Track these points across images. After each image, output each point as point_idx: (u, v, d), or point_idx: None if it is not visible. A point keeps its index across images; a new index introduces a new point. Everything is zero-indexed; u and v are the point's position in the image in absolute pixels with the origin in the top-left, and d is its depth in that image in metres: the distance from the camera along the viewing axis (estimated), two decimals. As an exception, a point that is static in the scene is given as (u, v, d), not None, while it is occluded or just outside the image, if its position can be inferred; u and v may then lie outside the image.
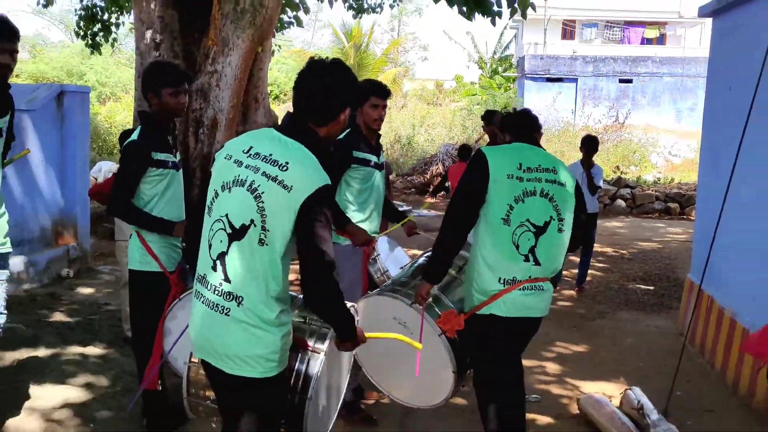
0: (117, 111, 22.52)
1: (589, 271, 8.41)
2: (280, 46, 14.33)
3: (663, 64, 27.28)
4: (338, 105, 2.48)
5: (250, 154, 2.40)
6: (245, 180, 2.36)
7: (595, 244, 8.44)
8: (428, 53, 47.82)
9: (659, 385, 4.98)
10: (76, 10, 12.12)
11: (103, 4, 11.69)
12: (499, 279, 3.24)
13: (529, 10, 9.23)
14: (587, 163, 7.87)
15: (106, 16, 11.91)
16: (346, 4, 12.92)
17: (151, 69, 3.86)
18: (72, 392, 4.52)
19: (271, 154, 2.37)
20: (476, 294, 3.31)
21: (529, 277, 3.26)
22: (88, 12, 11.74)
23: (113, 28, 12.18)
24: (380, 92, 4.07)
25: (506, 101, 28.03)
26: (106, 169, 14.52)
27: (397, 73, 32.37)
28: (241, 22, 9.30)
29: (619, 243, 11.48)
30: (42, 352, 5.08)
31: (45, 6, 11.93)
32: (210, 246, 2.42)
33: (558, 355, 5.81)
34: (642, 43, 36.59)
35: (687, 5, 34.93)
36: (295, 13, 11.68)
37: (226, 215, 2.38)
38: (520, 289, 3.24)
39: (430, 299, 3.54)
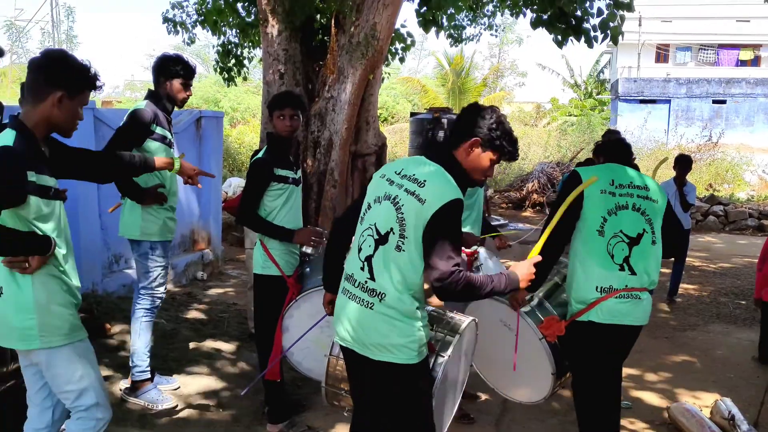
0: (246, 133, 23.39)
1: (681, 285, 8.04)
2: (389, 74, 14.50)
3: (757, 85, 25.79)
4: (467, 136, 2.61)
5: (401, 175, 2.59)
6: (391, 195, 2.56)
7: (687, 259, 8.06)
8: (525, 79, 47.23)
9: (750, 397, 4.72)
10: (214, 46, 12.71)
11: (237, 41, 12.21)
12: (596, 287, 3.19)
13: (621, 37, 8.98)
14: (680, 180, 7.54)
15: (239, 51, 12.42)
16: (446, 34, 12.93)
17: (273, 96, 4.09)
18: (205, 380, 4.73)
19: (414, 174, 2.55)
20: (575, 302, 3.29)
21: (626, 286, 3.19)
22: (224, 48, 12.29)
23: (246, 62, 12.68)
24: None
25: (600, 122, 27.28)
26: (235, 184, 15.18)
27: (498, 97, 32.09)
28: (356, 53, 9.52)
29: (712, 258, 10.90)
30: (180, 344, 5.34)
31: (189, 44, 12.59)
32: (360, 250, 2.61)
33: (652, 365, 5.57)
34: (736, 65, 34.76)
35: (782, 28, 33.01)
36: (403, 45, 11.81)
37: (375, 224, 2.58)
38: (616, 297, 3.18)
39: (535, 303, 3.53)
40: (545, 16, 9.51)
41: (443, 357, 2.87)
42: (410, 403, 2.58)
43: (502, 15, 13.47)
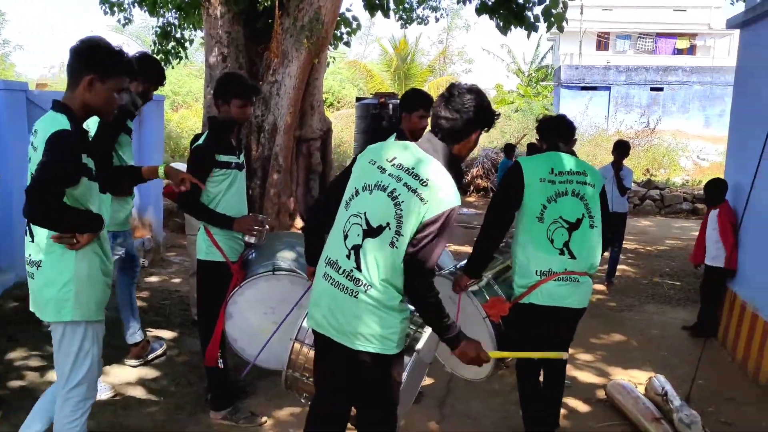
0: (188, 117, 22.95)
1: (619, 267, 8.29)
2: (334, 58, 14.42)
3: (693, 73, 26.60)
4: (472, 126, 2.57)
5: (394, 164, 2.51)
6: (387, 186, 2.47)
7: (624, 242, 8.30)
8: (472, 65, 47.56)
9: (682, 374, 4.91)
10: (152, 27, 12.41)
11: (177, 23, 11.93)
12: (536, 271, 3.34)
13: (565, 24, 9.14)
14: (618, 165, 7.74)
15: (179, 33, 12.15)
16: (397, 16, 12.91)
17: (225, 79, 3.90)
18: (146, 369, 4.65)
19: (413, 168, 2.47)
20: (517, 286, 3.43)
21: (565, 269, 3.33)
22: (164, 30, 11.99)
23: (186, 44, 12.41)
24: (413, 108, 4.05)
25: (542, 109, 27.73)
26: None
27: (444, 83, 32.23)
28: (300, 37, 9.42)
29: (648, 241, 11.26)
30: (121, 332, 5.22)
31: (125, 25, 12.24)
32: (346, 236, 2.52)
33: (588, 345, 5.73)
34: (673, 53, 35.77)
35: (717, 17, 34.09)
36: (348, 29, 11.74)
37: (365, 213, 2.49)
38: (555, 280, 3.31)
39: (483, 283, 3.62)
40: (489, 2, 9.60)
41: (415, 352, 2.91)
42: (382, 391, 2.60)
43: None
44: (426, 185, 2.42)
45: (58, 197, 2.54)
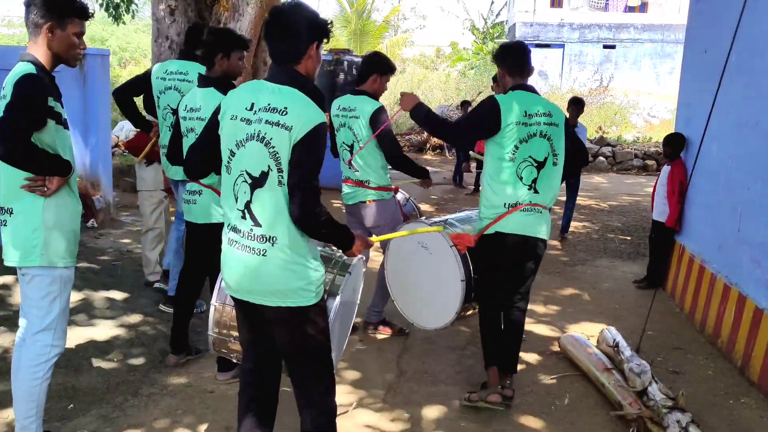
0: (136, 74, 22.27)
1: (572, 222, 8.40)
2: (287, 13, 14.03)
3: (644, 31, 26.92)
4: (304, 42, 2.46)
5: (254, 110, 2.42)
6: (254, 134, 2.40)
7: (578, 198, 8.40)
8: (426, 21, 47.11)
9: (633, 325, 5.02)
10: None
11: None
12: (504, 204, 3.60)
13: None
14: (572, 122, 7.77)
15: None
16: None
17: (221, 32, 3.89)
18: (98, 330, 4.55)
19: (269, 104, 2.40)
20: (484, 218, 3.68)
21: (530, 201, 3.60)
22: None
23: (133, -1, 11.94)
24: (388, 70, 4.36)
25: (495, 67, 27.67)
26: (127, 128, 14.44)
27: (400, 41, 31.90)
28: (250, -11, 9.13)
29: (601, 197, 11.44)
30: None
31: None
32: (236, 199, 2.47)
33: (543, 298, 5.82)
34: (625, 10, 35.96)
35: (668, -25, 34.29)
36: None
37: (245, 170, 2.43)
38: (521, 210, 3.58)
39: (440, 220, 4.06)
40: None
41: (337, 296, 2.97)
42: (309, 343, 2.58)
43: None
44: (285, 113, 2.36)
45: (25, 135, 2.65)
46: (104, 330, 4.57)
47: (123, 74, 21.79)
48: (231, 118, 2.48)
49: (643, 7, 36.24)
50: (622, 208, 10.45)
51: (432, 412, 3.75)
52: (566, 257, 7.36)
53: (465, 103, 13.03)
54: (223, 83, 3.70)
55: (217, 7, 9.40)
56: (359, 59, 13.31)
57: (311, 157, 2.39)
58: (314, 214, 2.42)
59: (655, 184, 6.34)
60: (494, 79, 7.58)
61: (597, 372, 4.05)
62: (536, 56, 26.11)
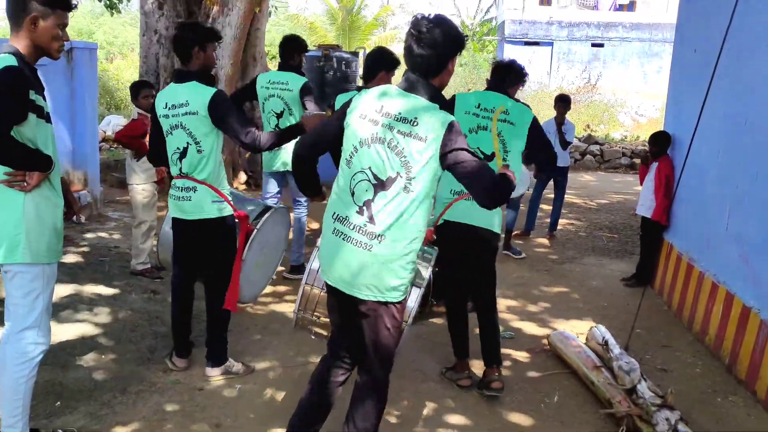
0: (124, 68, 22.08)
1: (560, 220, 8.42)
2: (276, 8, 14.00)
3: (632, 30, 27.01)
4: (447, 57, 2.57)
5: (383, 113, 2.54)
6: (384, 138, 2.52)
7: (566, 196, 8.43)
8: (415, 17, 46.87)
9: (622, 323, 5.04)
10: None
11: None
12: (450, 190, 3.68)
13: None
14: (560, 120, 7.79)
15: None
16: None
17: (196, 26, 3.86)
18: (85, 327, 4.51)
19: (400, 113, 2.51)
20: (437, 209, 3.77)
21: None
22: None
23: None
24: (394, 66, 4.25)
25: (486, 63, 27.72)
26: (114, 122, 14.37)
27: (390, 37, 31.88)
28: (240, -16, 9.07)
29: (589, 195, 11.48)
30: (57, 290, 5.04)
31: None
32: (353, 193, 2.58)
33: (532, 296, 5.84)
34: (613, 9, 36.09)
35: (656, -26, 34.46)
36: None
37: (369, 168, 2.54)
38: (467, 199, 3.58)
39: None
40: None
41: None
42: (389, 337, 2.68)
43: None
44: (417, 124, 2.48)
45: (5, 129, 2.58)
46: (92, 326, 4.53)
47: (110, 68, 21.62)
48: (360, 117, 2.58)
49: (631, 6, 36.37)
50: (610, 206, 10.50)
51: (421, 409, 3.75)
52: (555, 255, 7.38)
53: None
54: (204, 76, 3.68)
55: (206, 2, 9.33)
56: (348, 55, 13.27)
57: (462, 146, 2.50)
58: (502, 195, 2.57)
59: (642, 183, 6.36)
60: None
61: (586, 370, 4.07)
62: (525, 54, 26.21)
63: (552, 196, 8.10)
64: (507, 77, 3.99)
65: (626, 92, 24.47)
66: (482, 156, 3.65)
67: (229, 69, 9.39)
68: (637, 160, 15.02)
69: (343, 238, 2.60)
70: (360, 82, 11.63)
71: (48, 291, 2.91)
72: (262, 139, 3.62)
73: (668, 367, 4.44)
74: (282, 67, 5.52)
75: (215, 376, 3.93)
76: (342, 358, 2.91)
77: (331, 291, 2.76)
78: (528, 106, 4.02)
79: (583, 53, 26.95)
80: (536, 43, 27.00)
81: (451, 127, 2.49)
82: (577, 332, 4.81)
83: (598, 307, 5.65)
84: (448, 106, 2.64)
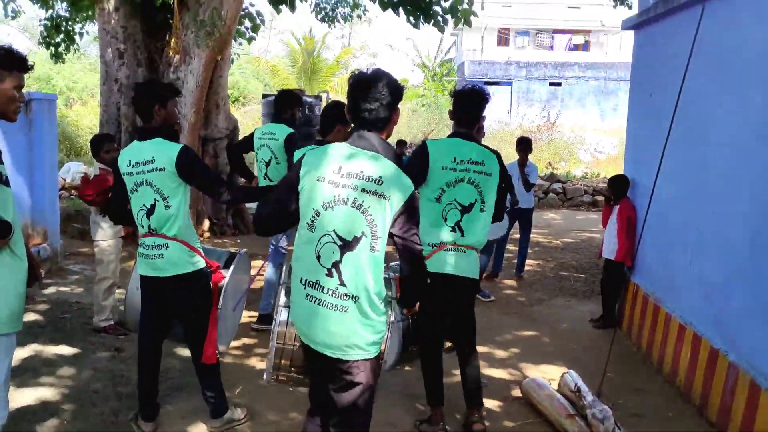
0: (84, 114, 21.84)
1: (527, 261, 8.48)
2: (239, 54, 14.06)
3: (588, 69, 27.77)
4: (392, 108, 2.67)
5: (342, 174, 2.56)
6: (346, 199, 2.54)
7: (531, 235, 8.51)
8: (376, 60, 47.71)
9: (592, 366, 5.04)
10: (41, 20, 11.68)
11: (68, 15, 11.28)
12: (429, 244, 3.67)
13: (473, 17, 9.28)
14: (522, 162, 7.90)
15: (70, 26, 11.50)
16: (319, 17, 12.85)
17: (154, 85, 3.81)
18: (45, 391, 4.35)
19: (362, 171, 2.55)
20: None
21: (454, 242, 3.74)
22: (53, 22, 11.31)
23: (77, 38, 11.77)
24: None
25: (448, 103, 28.14)
26: (74, 170, 14.14)
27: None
28: (201, 33, 9.10)
29: (553, 234, 11.62)
30: (17, 352, 4.86)
31: (13, 18, 11.47)
32: (319, 257, 2.58)
33: (503, 341, 5.83)
34: (569, 49, 37.15)
35: (609, 15, 35.63)
36: (252, 24, 11.46)
37: (334, 230, 2.55)
38: (444, 250, 3.72)
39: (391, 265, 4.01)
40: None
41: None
42: (370, 393, 2.72)
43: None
44: (381, 183, 2.53)
45: None
46: (53, 390, 4.37)
47: (70, 114, 21.36)
48: (318, 180, 2.58)
49: (586, 46, 37.57)
50: (576, 245, 10.63)
51: (397, 466, 3.67)
52: (523, 297, 7.41)
53: (401, 143, 12.91)
54: (167, 131, 3.66)
55: (168, 50, 9.33)
56: (311, 99, 13.36)
57: (415, 214, 2.64)
58: (420, 263, 2.74)
59: (604, 225, 6.46)
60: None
61: (560, 419, 4.04)
62: (485, 94, 26.66)
63: (517, 236, 8.17)
64: (465, 115, 3.90)
65: (585, 129, 25.06)
66: (459, 207, 3.73)
67: (192, 117, 9.36)
68: (600, 198, 15.31)
69: (317, 303, 2.59)
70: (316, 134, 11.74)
71: (6, 363, 2.78)
72: (232, 195, 3.75)
73: (641, 412, 4.44)
74: (274, 119, 5.96)
75: (218, 427, 3.90)
76: (326, 407, 2.90)
77: (310, 352, 2.74)
78: (495, 151, 4.08)
79: (542, 92, 27.58)
80: (496, 83, 27.56)
81: (413, 197, 2.62)
82: (549, 378, 4.80)
83: (568, 351, 5.66)
84: (400, 160, 2.72)
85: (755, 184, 3.99)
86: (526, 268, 8.44)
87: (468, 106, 3.89)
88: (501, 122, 24.37)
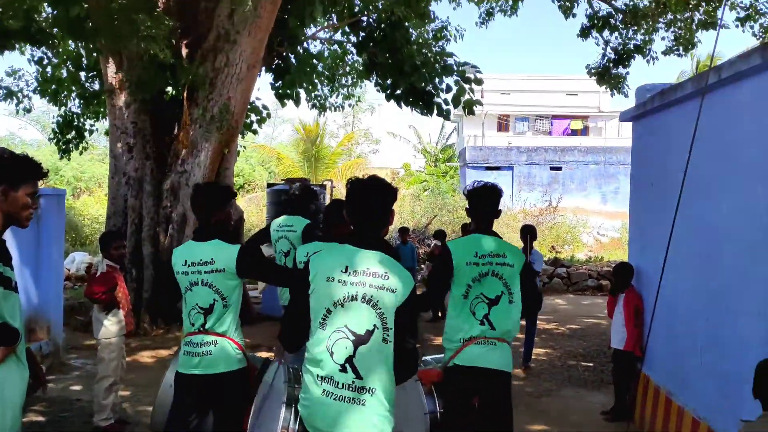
0: (90, 204, 22.14)
1: (534, 349, 8.36)
2: (245, 147, 14.37)
3: (588, 153, 28.17)
4: (387, 210, 2.87)
5: (349, 272, 2.70)
6: (356, 295, 2.68)
7: (537, 321, 8.42)
8: (379, 146, 48.70)
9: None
10: (54, 117, 12.02)
11: (79, 111, 11.61)
12: (460, 339, 3.72)
13: (478, 105, 9.56)
14: (527, 250, 7.91)
15: (81, 122, 11.81)
16: (310, 104, 13.15)
17: (214, 187, 4.01)
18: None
19: (368, 268, 2.71)
20: (446, 353, 3.82)
21: (484, 335, 3.74)
22: (65, 119, 11.63)
23: (86, 134, 12.06)
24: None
25: (450, 188, 28.48)
26: (79, 260, 14.21)
27: (355, 164, 32.82)
28: (210, 127, 9.35)
29: (560, 320, 11.50)
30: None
31: (26, 113, 11.80)
32: (332, 353, 2.67)
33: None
34: (567, 133, 37.87)
35: (605, 101, 36.54)
36: (258, 117, 11.76)
37: (346, 326, 2.67)
38: (475, 344, 3.71)
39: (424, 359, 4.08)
40: (398, 92, 9.89)
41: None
42: None
43: (361, 87, 13.82)
44: (387, 278, 2.69)
45: None
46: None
47: (76, 205, 21.64)
48: (327, 280, 2.71)
49: (585, 131, 38.33)
50: (582, 331, 10.51)
51: None
52: (531, 387, 7.27)
53: (403, 230, 12.29)
54: (224, 233, 3.78)
55: (176, 144, 9.55)
56: (315, 188, 13.53)
57: (413, 317, 2.80)
58: (415, 366, 2.84)
59: (609, 314, 6.40)
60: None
61: None
62: (487, 178, 26.79)
63: (523, 323, 8.07)
64: (480, 212, 3.99)
65: (587, 213, 25.22)
66: (486, 300, 3.78)
67: (197, 208, 9.46)
68: (604, 282, 15.25)
69: (335, 399, 2.66)
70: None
71: None
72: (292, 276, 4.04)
73: None
74: (291, 212, 6.21)
75: None
76: None
77: None
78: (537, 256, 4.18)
79: (543, 176, 27.91)
80: (497, 168, 27.94)
81: (414, 289, 2.78)
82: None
83: (580, 446, 5.51)
84: (398, 256, 2.88)
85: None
86: (533, 356, 8.31)
87: (484, 205, 3.99)
88: (503, 206, 24.57)
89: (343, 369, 2.65)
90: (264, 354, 6.14)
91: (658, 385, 5.61)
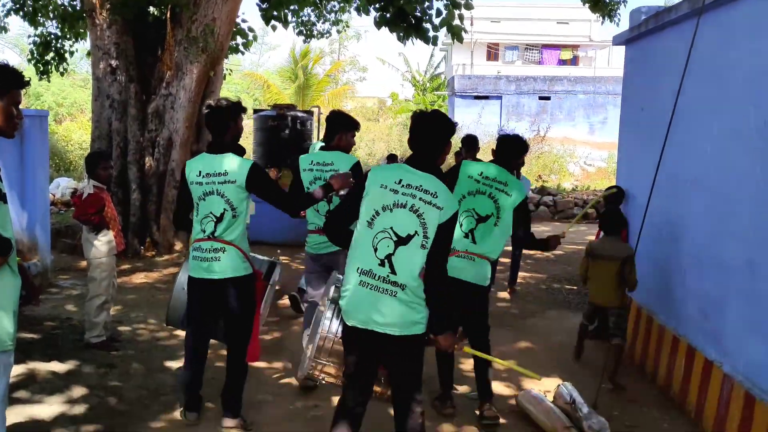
0: (73, 130, 21.79)
1: (520, 273, 8.49)
2: (231, 70, 14.05)
3: (577, 83, 27.91)
4: (445, 141, 3.21)
5: (403, 185, 3.05)
6: (405, 204, 3.02)
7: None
8: (366, 74, 47.98)
9: (588, 378, 5.05)
10: (30, 36, 11.68)
11: (58, 32, 11.28)
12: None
13: (466, 32, 9.35)
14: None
15: (60, 44, 11.49)
16: (297, 30, 12.86)
17: (228, 103, 4.06)
18: (40, 409, 4.30)
19: (421, 185, 3.04)
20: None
21: (466, 249, 4.17)
22: (42, 39, 11.30)
23: (67, 56, 11.76)
24: (352, 127, 4.98)
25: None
26: (63, 185, 14.10)
27: (342, 92, 32.39)
28: (194, 49, 9.14)
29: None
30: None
31: (3, 32, 11.46)
32: (376, 249, 3.02)
33: (497, 354, 5.72)
34: (558, 64, 37.44)
35: (596, 30, 36.01)
36: (244, 40, 11.49)
37: (391, 228, 3.02)
38: (456, 256, 4.07)
39: None
40: (387, 15, 9.64)
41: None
42: (418, 367, 3.16)
43: (349, 12, 13.49)
44: (437, 197, 3.02)
45: None
46: (48, 407, 4.32)
47: (59, 130, 21.31)
48: (381, 187, 3.07)
49: (574, 61, 37.90)
50: (567, 257, 10.66)
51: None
52: (516, 310, 7.42)
53: (392, 157, 12.41)
54: (237, 147, 4.03)
55: (160, 66, 9.35)
56: (303, 114, 13.39)
57: (451, 234, 3.09)
58: (444, 279, 3.10)
59: (597, 234, 6.47)
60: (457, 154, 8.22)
61: (557, 431, 4.04)
62: (475, 108, 26.81)
63: (510, 248, 8.18)
64: (507, 151, 4.51)
65: (574, 143, 25.20)
66: (476, 216, 4.20)
67: (184, 132, 9.37)
68: (590, 210, 15.34)
69: (370, 288, 3.02)
70: (314, 141, 11.70)
71: (3, 381, 2.78)
72: (299, 203, 4.26)
73: (636, 424, 4.45)
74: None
75: (233, 427, 4.07)
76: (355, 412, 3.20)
77: (355, 337, 3.10)
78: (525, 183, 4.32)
79: (531, 106, 27.69)
80: (486, 97, 27.68)
81: (455, 214, 3.08)
82: (544, 390, 4.80)
83: (563, 363, 5.66)
84: (446, 178, 3.25)
85: (753, 201, 3.99)
86: (519, 280, 8.45)
87: (513, 154, 4.51)
88: (491, 135, 24.43)
89: (381, 264, 3.00)
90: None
91: (640, 305, 5.74)
